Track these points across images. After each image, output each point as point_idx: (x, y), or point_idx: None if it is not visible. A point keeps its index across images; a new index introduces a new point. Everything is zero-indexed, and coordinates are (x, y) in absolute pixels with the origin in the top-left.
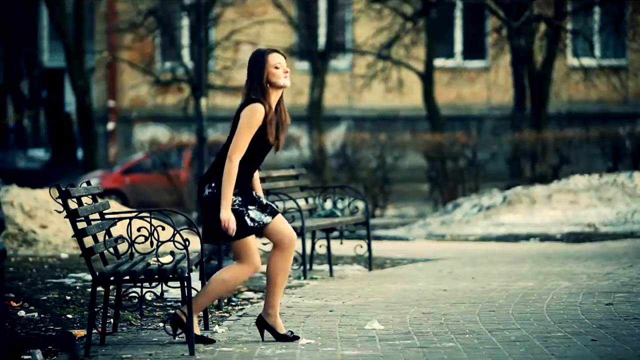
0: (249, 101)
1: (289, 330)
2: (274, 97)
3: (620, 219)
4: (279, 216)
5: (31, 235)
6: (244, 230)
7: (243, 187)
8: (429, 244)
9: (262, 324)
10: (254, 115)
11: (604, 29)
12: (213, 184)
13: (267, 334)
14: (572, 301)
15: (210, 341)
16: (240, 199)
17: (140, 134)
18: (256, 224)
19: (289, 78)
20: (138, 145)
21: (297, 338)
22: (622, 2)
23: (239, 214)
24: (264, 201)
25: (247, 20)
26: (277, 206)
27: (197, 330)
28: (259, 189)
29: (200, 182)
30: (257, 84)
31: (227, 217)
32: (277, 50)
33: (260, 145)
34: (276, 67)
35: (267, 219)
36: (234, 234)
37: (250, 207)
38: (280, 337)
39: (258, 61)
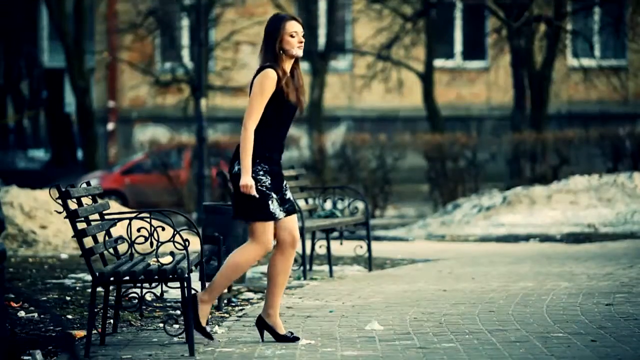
0: (262, 67)
1: (289, 331)
2: (286, 64)
3: (620, 219)
4: (293, 216)
5: (31, 235)
6: (266, 213)
7: (272, 164)
8: (429, 245)
9: (262, 324)
10: (266, 80)
11: (603, 30)
12: None
13: (267, 334)
14: (572, 302)
15: (210, 337)
16: (270, 181)
17: (140, 134)
18: (272, 213)
19: (302, 49)
20: (138, 145)
21: (297, 339)
22: (622, 3)
23: (265, 197)
24: (287, 195)
25: (247, 20)
26: (297, 206)
27: (204, 321)
28: None
29: (231, 159)
30: (270, 49)
31: (246, 183)
32: (295, 18)
33: (281, 109)
34: (292, 36)
35: (280, 214)
36: (254, 192)
37: (274, 195)
38: (280, 338)
39: (274, 26)
